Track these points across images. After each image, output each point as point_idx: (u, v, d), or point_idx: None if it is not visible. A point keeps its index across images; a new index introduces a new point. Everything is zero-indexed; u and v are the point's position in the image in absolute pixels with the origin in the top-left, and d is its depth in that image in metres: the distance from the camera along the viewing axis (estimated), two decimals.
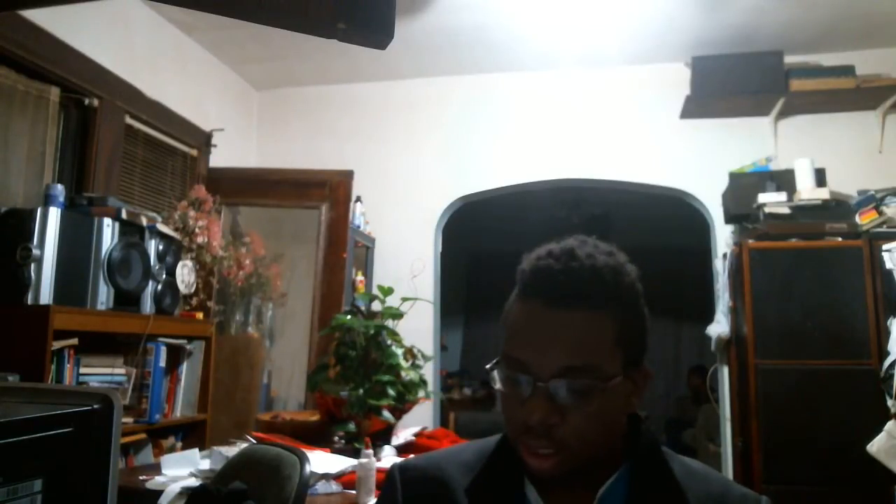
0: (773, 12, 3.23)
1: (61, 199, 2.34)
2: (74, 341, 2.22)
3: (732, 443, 3.33)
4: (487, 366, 0.83)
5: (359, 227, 3.78)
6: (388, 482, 0.91)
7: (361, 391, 2.31)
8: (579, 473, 0.80)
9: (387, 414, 2.34)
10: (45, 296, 2.17)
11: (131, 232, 2.54)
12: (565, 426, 0.76)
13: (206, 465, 2.01)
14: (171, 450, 2.66)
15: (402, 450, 2.33)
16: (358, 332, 2.40)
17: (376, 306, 2.65)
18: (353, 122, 4.13)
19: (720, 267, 3.50)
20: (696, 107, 3.64)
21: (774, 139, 3.63)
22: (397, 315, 2.49)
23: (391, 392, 2.32)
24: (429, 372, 3.17)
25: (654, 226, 6.00)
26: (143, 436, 2.59)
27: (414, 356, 2.54)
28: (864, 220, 3.00)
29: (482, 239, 6.95)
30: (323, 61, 3.91)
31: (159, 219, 2.78)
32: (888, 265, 2.82)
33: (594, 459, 0.80)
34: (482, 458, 0.88)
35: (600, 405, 0.77)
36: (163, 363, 2.62)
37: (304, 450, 1.65)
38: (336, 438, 2.42)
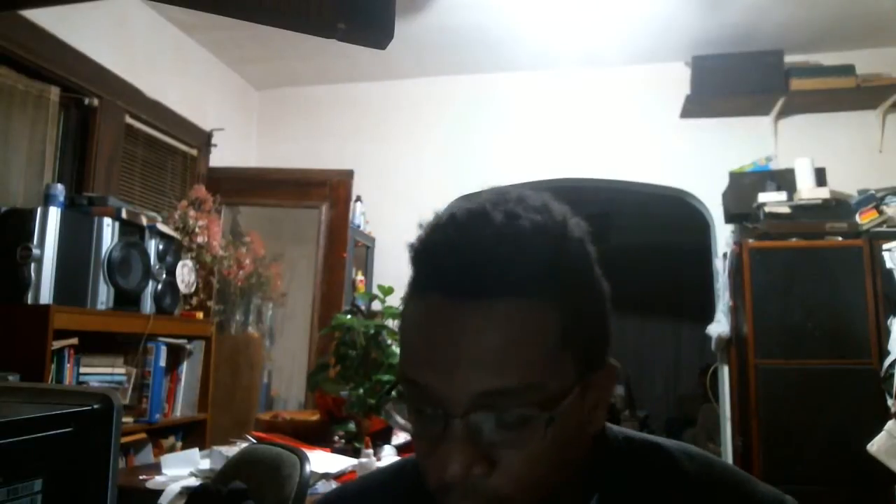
0: (773, 12, 3.23)
1: (61, 198, 2.34)
2: (74, 341, 2.23)
3: (732, 443, 3.33)
4: (387, 392, 0.61)
5: (359, 226, 3.78)
6: None
7: (361, 391, 2.31)
8: None
9: None
10: (45, 295, 2.17)
11: (131, 232, 2.54)
12: (499, 476, 0.53)
13: (206, 464, 2.01)
14: (171, 449, 2.66)
15: (402, 449, 2.33)
16: (358, 332, 2.40)
17: (376, 306, 2.65)
18: (353, 122, 4.13)
19: (720, 266, 3.50)
20: (696, 106, 3.63)
21: (774, 139, 3.63)
22: (397, 315, 2.48)
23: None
24: None
25: (654, 225, 6.00)
26: (143, 436, 2.59)
27: None
28: (865, 219, 3.00)
29: None
30: (323, 61, 3.91)
31: (159, 218, 2.78)
32: (888, 265, 2.82)
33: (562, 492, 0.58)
34: (417, 496, 0.64)
35: (549, 438, 0.53)
36: (163, 363, 2.62)
37: (304, 449, 1.65)
38: (336, 438, 2.42)
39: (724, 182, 3.48)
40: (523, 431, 0.53)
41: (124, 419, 2.38)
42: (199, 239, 3.08)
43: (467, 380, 0.52)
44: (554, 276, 0.54)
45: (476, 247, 0.53)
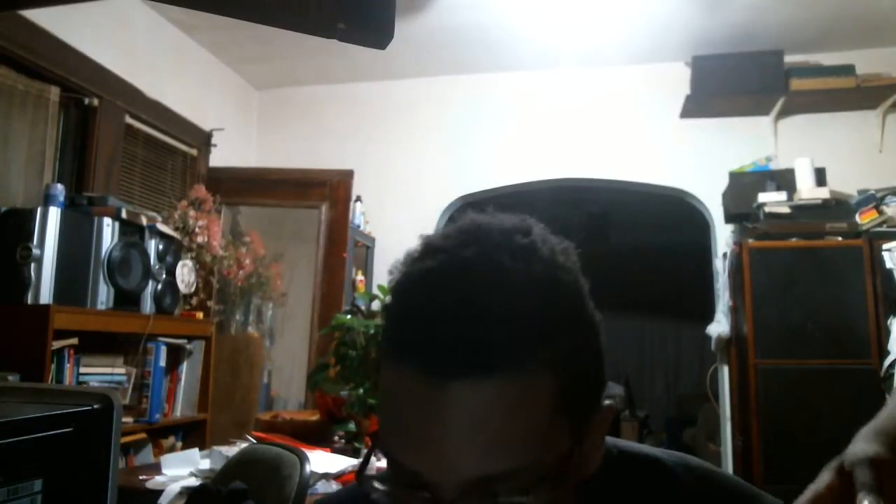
0: (773, 12, 3.23)
1: (61, 198, 2.34)
2: (74, 341, 2.23)
3: (732, 442, 3.33)
4: (366, 459, 0.55)
5: (359, 226, 3.78)
6: None
7: (361, 391, 2.31)
8: None
9: None
10: (45, 295, 2.17)
11: (131, 232, 2.54)
12: None
13: (206, 464, 2.01)
14: (171, 449, 2.66)
15: None
16: (358, 332, 2.40)
17: (376, 306, 2.65)
18: (353, 122, 4.13)
19: (720, 266, 3.50)
20: (695, 106, 3.63)
21: (774, 139, 3.63)
22: None
23: None
24: None
25: (654, 225, 5.99)
26: (143, 436, 2.59)
27: None
28: (865, 219, 3.00)
29: None
30: (323, 61, 3.91)
31: (159, 218, 2.78)
32: (888, 265, 2.82)
33: None
34: None
35: (554, 499, 0.49)
36: (163, 363, 2.62)
37: (304, 449, 1.65)
38: (336, 438, 2.42)
39: (723, 182, 3.48)
40: None
41: (124, 419, 2.38)
42: (199, 239, 3.08)
43: (458, 465, 0.47)
44: (548, 341, 0.48)
45: (460, 314, 0.47)
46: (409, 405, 0.49)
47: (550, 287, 0.49)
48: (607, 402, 0.56)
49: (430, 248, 0.51)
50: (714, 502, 0.60)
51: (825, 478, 0.51)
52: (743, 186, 3.34)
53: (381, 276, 3.78)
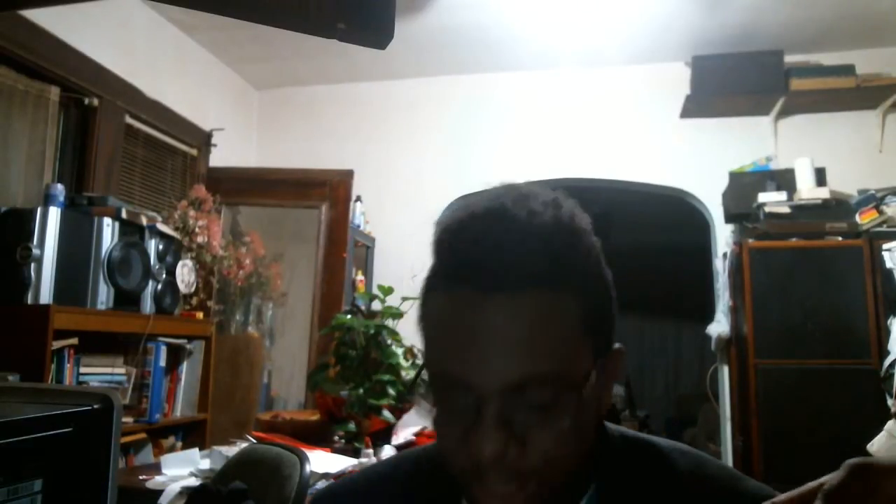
0: (773, 12, 3.23)
1: (61, 198, 2.34)
2: (74, 341, 2.22)
3: (732, 442, 3.33)
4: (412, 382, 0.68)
5: (359, 226, 3.78)
6: None
7: (361, 391, 2.31)
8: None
9: (387, 413, 2.34)
10: (45, 295, 2.17)
11: (131, 231, 2.54)
12: (530, 455, 0.57)
13: (206, 464, 2.01)
14: (171, 449, 2.66)
15: (402, 449, 2.33)
16: (358, 332, 2.40)
17: (376, 306, 2.65)
18: (353, 122, 4.13)
19: (720, 266, 3.50)
20: (696, 106, 3.63)
21: (774, 139, 3.63)
22: (397, 314, 2.49)
23: (391, 391, 2.32)
24: None
25: (654, 225, 6.00)
26: (143, 435, 2.59)
27: (414, 356, 2.54)
28: (865, 219, 3.00)
29: None
30: (323, 61, 3.91)
31: (159, 218, 2.78)
32: (888, 265, 2.82)
33: (567, 485, 0.62)
34: (417, 486, 0.72)
35: (573, 417, 0.57)
36: (163, 363, 2.62)
37: (304, 449, 1.65)
38: (336, 438, 2.42)
39: (723, 182, 3.48)
40: (551, 412, 0.57)
41: (124, 419, 2.38)
42: (199, 239, 3.08)
43: (499, 368, 0.56)
44: (573, 268, 0.59)
45: (501, 243, 0.57)
46: (459, 320, 0.58)
47: (573, 230, 0.60)
48: (617, 345, 0.65)
49: (471, 199, 0.62)
50: (708, 481, 0.67)
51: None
52: (743, 186, 3.34)
53: (381, 276, 3.78)
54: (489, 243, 0.57)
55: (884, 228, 2.95)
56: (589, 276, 0.61)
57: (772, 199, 3.15)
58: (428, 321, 0.62)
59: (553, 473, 0.58)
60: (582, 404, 0.58)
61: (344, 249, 3.56)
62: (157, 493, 1.79)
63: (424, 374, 0.66)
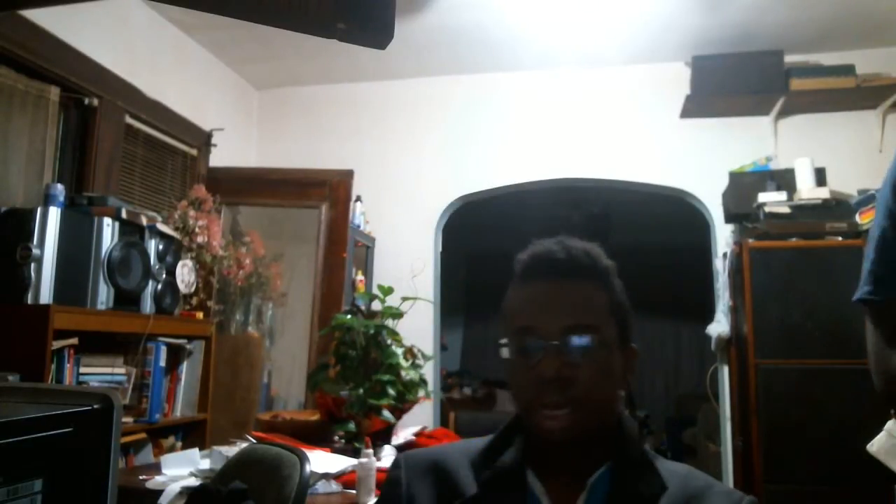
0: (773, 12, 3.23)
1: (61, 198, 2.34)
2: (74, 341, 2.22)
3: (732, 443, 3.33)
4: (502, 341, 0.91)
5: (359, 226, 3.78)
6: (394, 467, 0.97)
7: (361, 391, 2.31)
8: (576, 455, 0.88)
9: (387, 413, 2.34)
10: (45, 295, 2.17)
11: (131, 231, 2.54)
12: (578, 382, 0.85)
13: (206, 464, 2.01)
14: (171, 449, 2.66)
15: (401, 449, 2.33)
16: (358, 332, 2.40)
17: (376, 306, 2.65)
18: (353, 121, 4.13)
19: (720, 266, 3.50)
20: (696, 106, 3.64)
21: (774, 139, 3.63)
22: (397, 314, 2.49)
23: (391, 391, 2.32)
24: (429, 371, 3.17)
25: (654, 225, 6.00)
26: (143, 435, 2.59)
27: (414, 356, 2.54)
28: (865, 219, 3.00)
29: (482, 239, 6.95)
30: (323, 61, 3.91)
31: (159, 218, 2.78)
32: None
33: (601, 425, 0.88)
34: (486, 448, 0.95)
35: (605, 364, 0.87)
36: (163, 363, 2.62)
37: (304, 449, 1.65)
38: (336, 438, 2.42)
39: (724, 182, 3.48)
40: (591, 353, 0.86)
41: (124, 419, 2.38)
42: (199, 239, 3.08)
43: (560, 317, 0.88)
44: (600, 272, 0.92)
45: (562, 253, 0.92)
46: (532, 294, 0.91)
47: (598, 254, 0.94)
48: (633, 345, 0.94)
49: (539, 241, 0.96)
50: (690, 473, 0.92)
51: None
52: (743, 186, 3.34)
53: (381, 275, 3.78)
54: (554, 255, 0.92)
55: None
56: (610, 279, 0.93)
57: (772, 199, 3.15)
58: (511, 301, 0.93)
59: (592, 405, 0.86)
60: (609, 360, 0.88)
61: (344, 249, 3.56)
62: (157, 493, 1.80)
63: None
